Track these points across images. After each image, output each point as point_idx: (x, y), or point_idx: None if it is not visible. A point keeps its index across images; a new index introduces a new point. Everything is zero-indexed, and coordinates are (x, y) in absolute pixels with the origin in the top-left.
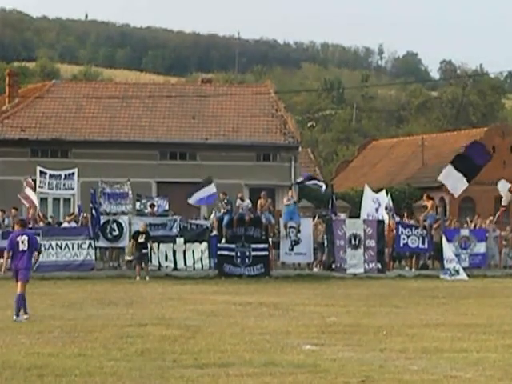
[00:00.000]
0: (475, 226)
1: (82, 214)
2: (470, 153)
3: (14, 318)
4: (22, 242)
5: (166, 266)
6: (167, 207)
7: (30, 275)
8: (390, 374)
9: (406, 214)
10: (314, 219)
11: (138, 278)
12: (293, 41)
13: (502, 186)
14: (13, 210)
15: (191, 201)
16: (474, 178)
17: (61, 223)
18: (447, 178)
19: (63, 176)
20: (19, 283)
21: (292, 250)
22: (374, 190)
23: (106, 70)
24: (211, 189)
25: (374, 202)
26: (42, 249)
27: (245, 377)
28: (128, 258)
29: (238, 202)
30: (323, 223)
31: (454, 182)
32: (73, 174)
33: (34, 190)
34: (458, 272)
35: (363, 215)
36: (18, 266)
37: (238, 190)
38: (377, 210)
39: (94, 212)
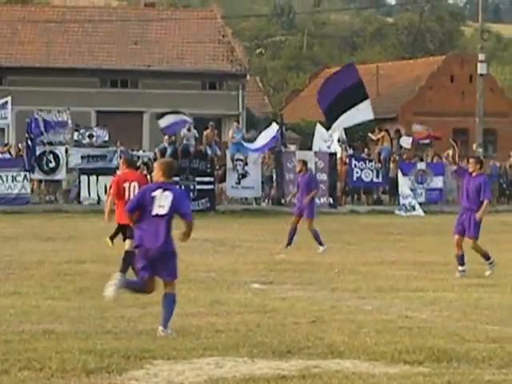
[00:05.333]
0: (432, 159)
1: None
2: (339, 86)
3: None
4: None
5: None
6: (107, 138)
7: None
8: (342, 314)
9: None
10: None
11: None
12: None
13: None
14: None
15: (162, 124)
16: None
17: None
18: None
19: None
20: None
21: (239, 183)
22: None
23: None
24: (185, 116)
25: (325, 141)
26: None
27: (189, 316)
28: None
29: (183, 132)
30: (272, 156)
31: (360, 114)
32: (6, 102)
33: None
34: (413, 207)
35: (315, 149)
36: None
37: None
38: (329, 147)
39: (29, 142)
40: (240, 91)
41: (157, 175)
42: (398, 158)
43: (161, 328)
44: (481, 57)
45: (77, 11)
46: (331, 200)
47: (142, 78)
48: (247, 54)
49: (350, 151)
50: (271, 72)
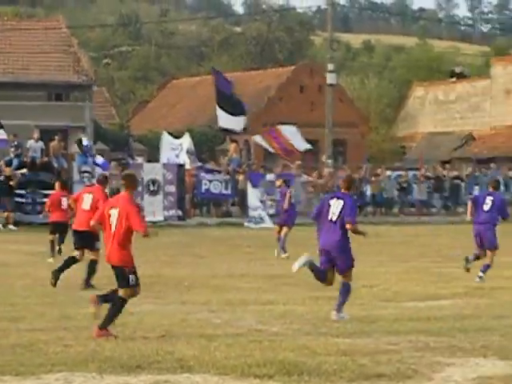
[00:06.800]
0: (282, 170)
1: None
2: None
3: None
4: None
5: None
6: None
7: None
8: (192, 327)
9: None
10: (110, 163)
11: None
12: None
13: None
14: None
15: None
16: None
17: None
18: (226, 121)
19: None
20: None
21: None
22: (174, 135)
23: None
24: (1, 134)
25: (173, 149)
26: None
27: (37, 332)
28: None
29: (29, 143)
30: (120, 167)
31: (232, 123)
32: None
33: None
34: (263, 219)
35: (163, 160)
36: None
37: (28, 132)
38: (177, 156)
39: None
40: (87, 102)
41: (342, 187)
42: (247, 169)
43: (334, 312)
44: (330, 67)
45: None
46: (180, 212)
47: None
48: (94, 65)
49: (199, 163)
50: (118, 83)
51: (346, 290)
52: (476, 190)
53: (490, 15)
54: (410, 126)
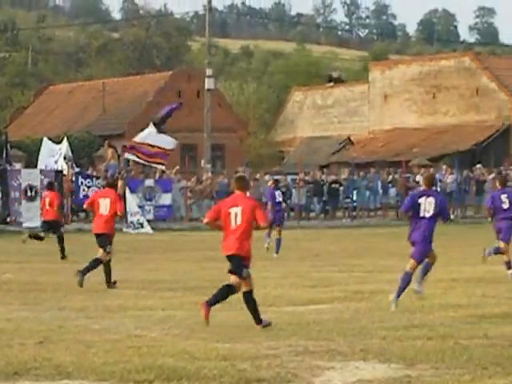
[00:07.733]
0: (160, 176)
1: None
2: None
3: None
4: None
5: None
6: None
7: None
8: (70, 334)
9: None
10: None
11: None
12: None
13: None
14: None
15: None
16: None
17: None
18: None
19: None
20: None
21: None
22: (53, 140)
23: None
24: None
25: (53, 155)
26: None
27: None
28: None
29: None
30: None
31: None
32: None
33: None
34: (142, 225)
35: (41, 166)
36: None
37: None
38: (56, 162)
39: None
40: None
41: (425, 185)
42: (125, 174)
43: (416, 284)
44: (208, 72)
45: None
46: None
47: None
48: None
49: (77, 169)
50: None
51: (427, 267)
52: (354, 195)
53: (367, 20)
54: (289, 131)
